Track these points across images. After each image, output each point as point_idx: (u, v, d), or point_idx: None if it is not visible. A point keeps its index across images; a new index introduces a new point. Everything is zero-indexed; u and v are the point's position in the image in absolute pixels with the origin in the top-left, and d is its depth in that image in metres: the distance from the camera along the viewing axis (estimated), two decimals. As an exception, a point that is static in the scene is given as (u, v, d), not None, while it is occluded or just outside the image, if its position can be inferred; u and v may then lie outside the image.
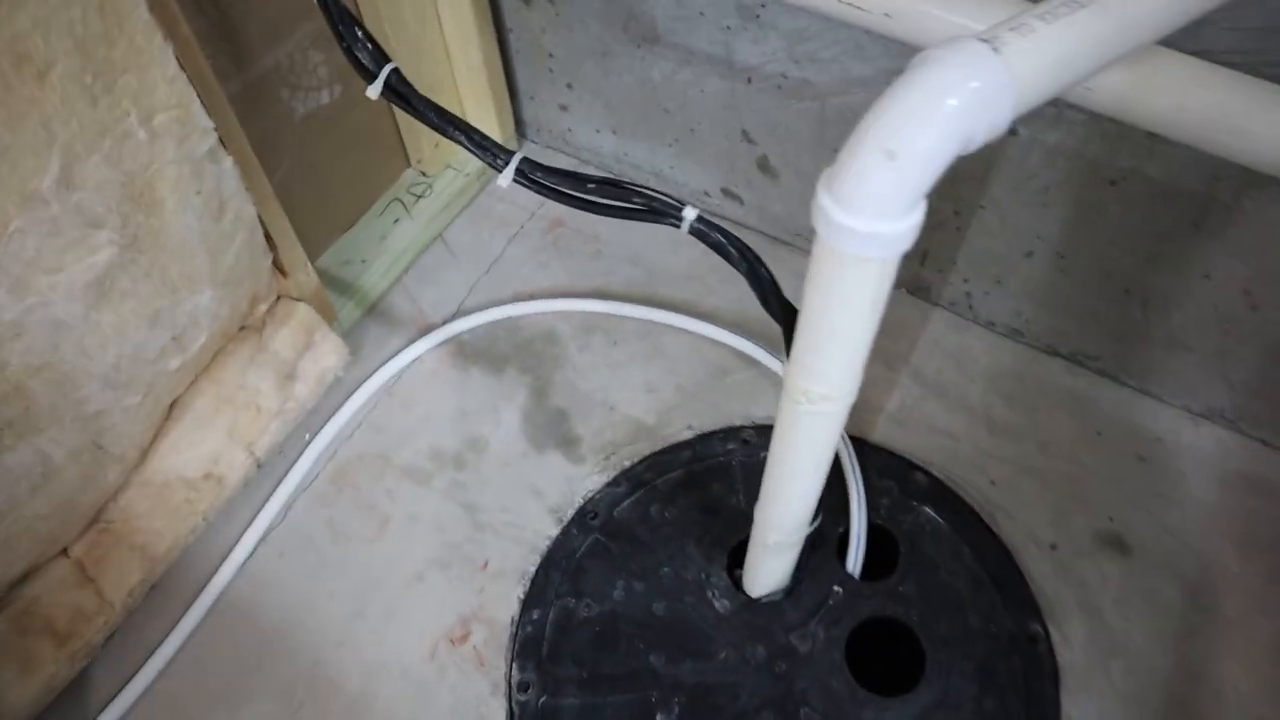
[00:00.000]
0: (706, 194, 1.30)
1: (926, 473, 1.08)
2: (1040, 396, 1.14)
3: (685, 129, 1.23)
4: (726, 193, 1.28)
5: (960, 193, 1.08)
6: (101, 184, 0.81)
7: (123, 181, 0.83)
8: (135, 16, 0.78)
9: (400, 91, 0.67)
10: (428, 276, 1.28)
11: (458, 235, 1.32)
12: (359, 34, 0.67)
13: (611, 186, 0.63)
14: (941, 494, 1.07)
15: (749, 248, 0.63)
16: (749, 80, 1.11)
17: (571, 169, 0.65)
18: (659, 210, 0.62)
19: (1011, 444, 1.10)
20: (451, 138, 0.66)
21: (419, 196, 1.31)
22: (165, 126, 0.84)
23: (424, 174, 1.34)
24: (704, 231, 0.62)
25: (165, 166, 0.86)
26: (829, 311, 0.60)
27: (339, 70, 1.16)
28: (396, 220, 1.29)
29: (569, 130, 1.36)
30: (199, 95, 0.86)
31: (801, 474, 0.77)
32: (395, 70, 0.67)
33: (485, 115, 1.32)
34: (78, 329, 0.85)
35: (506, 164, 0.65)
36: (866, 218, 0.53)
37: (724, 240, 0.62)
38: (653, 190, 0.62)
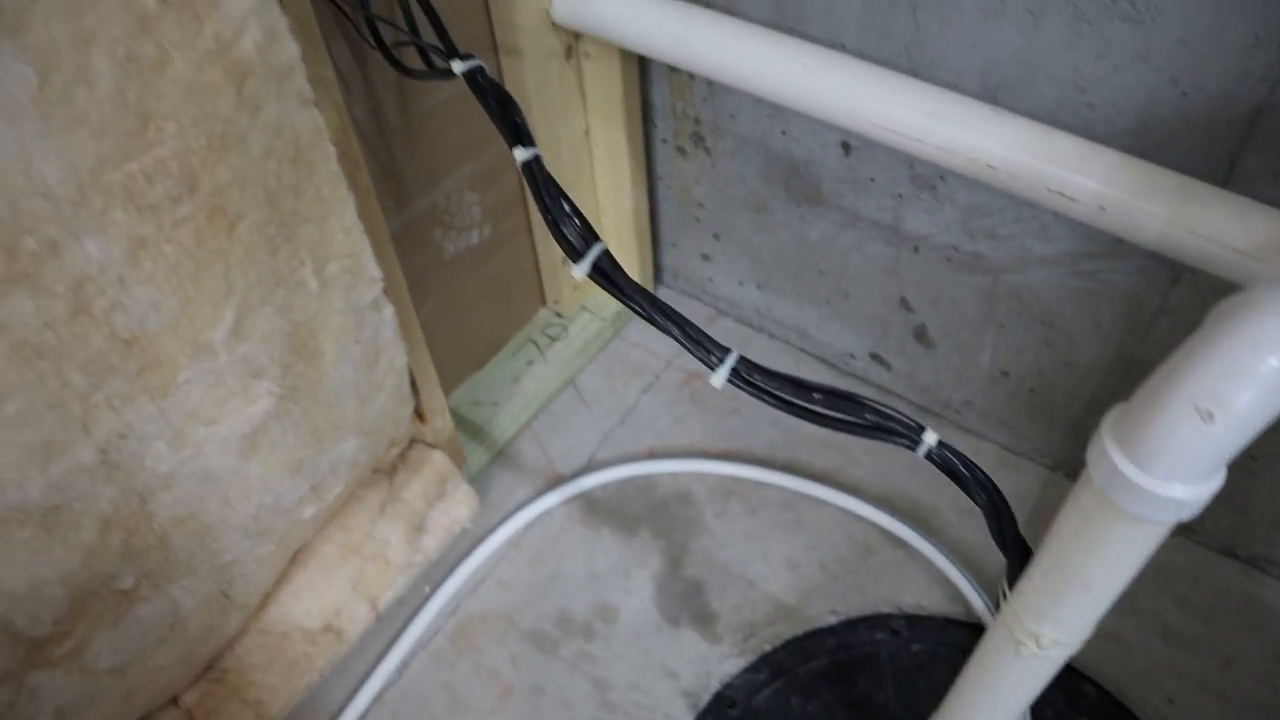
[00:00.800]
0: (852, 356, 1.25)
1: (1095, 683, 0.99)
2: (1218, 602, 1.05)
3: (839, 291, 1.18)
4: (875, 357, 1.22)
5: (1138, 380, 1.00)
6: (269, 334, 0.78)
7: (288, 332, 0.80)
8: (325, 168, 0.76)
9: (609, 274, 0.63)
10: (558, 424, 1.23)
11: (590, 381, 1.28)
12: (566, 208, 0.64)
13: (841, 399, 0.57)
14: (1113, 710, 0.97)
15: (990, 478, 0.57)
16: (915, 249, 1.07)
17: (793, 375, 0.59)
18: (891, 430, 0.57)
19: (1189, 656, 1.01)
20: (663, 328, 0.62)
21: (554, 339, 1.28)
22: (336, 276, 0.82)
23: (559, 315, 1.31)
24: (943, 458, 0.56)
25: (331, 316, 0.83)
26: (1086, 563, 0.54)
27: (490, 210, 1.14)
28: (530, 362, 1.26)
29: (709, 280, 1.33)
30: (371, 244, 0.84)
31: (1004, 708, 0.70)
32: (605, 251, 0.63)
33: (626, 260, 1.30)
34: (226, 480, 0.82)
35: (721, 363, 0.60)
36: (1164, 478, 0.47)
37: (964, 469, 0.56)
38: (887, 407, 0.57)
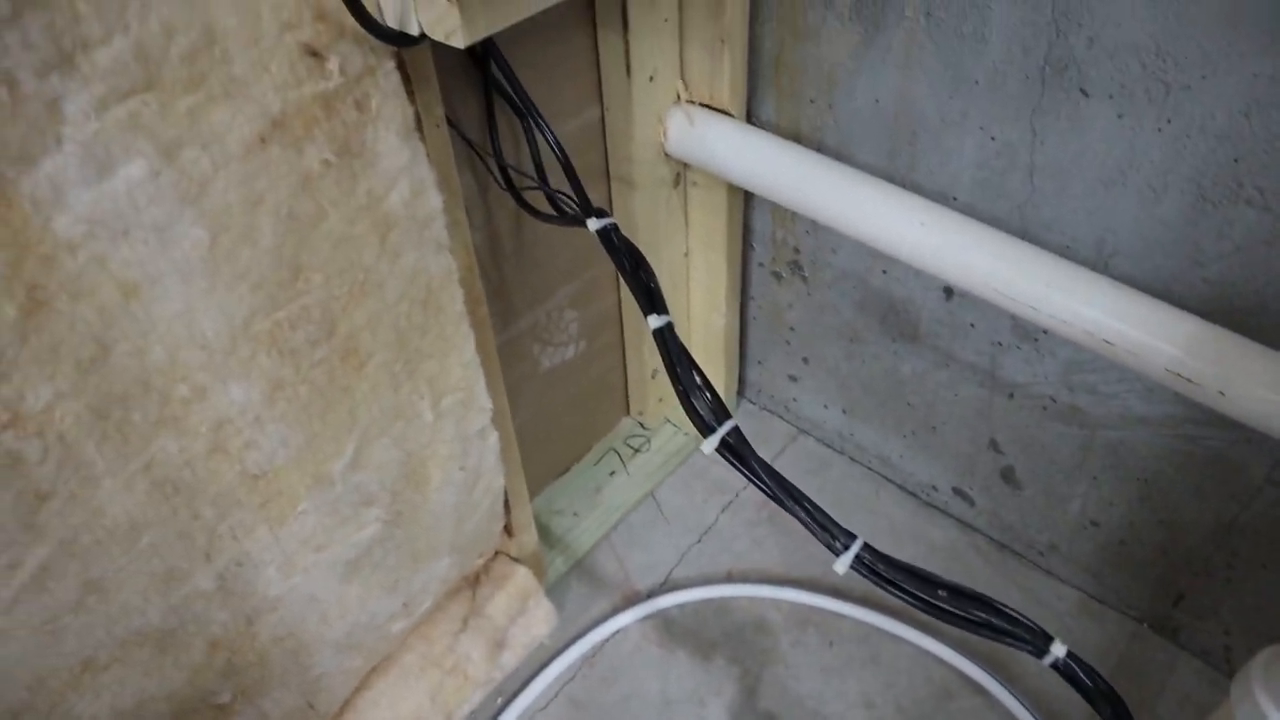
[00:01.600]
0: (934, 488, 1.24)
1: None
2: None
3: (926, 425, 1.18)
4: (958, 492, 1.22)
5: (1237, 546, 0.99)
6: (383, 464, 0.80)
7: (401, 460, 0.81)
8: (451, 308, 0.78)
9: (738, 451, 0.63)
10: (636, 537, 1.23)
11: (670, 495, 1.28)
12: (698, 380, 0.65)
13: (967, 599, 0.57)
14: None
15: (1114, 690, 0.57)
16: (1010, 395, 1.06)
17: (920, 568, 0.60)
18: (1018, 637, 0.56)
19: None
20: (790, 510, 0.62)
21: (636, 450, 1.29)
22: (450, 408, 0.83)
23: (643, 426, 1.32)
24: (1068, 669, 0.55)
25: (441, 445, 0.85)
26: (1222, 795, 0.53)
27: (587, 326, 1.15)
28: (612, 473, 1.26)
29: (794, 399, 1.33)
30: (485, 376, 0.86)
31: None
32: (736, 428, 0.63)
33: (712, 373, 1.29)
34: (326, 601, 0.83)
35: (845, 549, 0.60)
36: (1320, 735, 0.46)
37: (1089, 681, 0.56)
38: (1016, 612, 0.57)
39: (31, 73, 0.47)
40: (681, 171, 1.09)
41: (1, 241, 0.50)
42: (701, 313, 1.23)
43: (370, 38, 0.62)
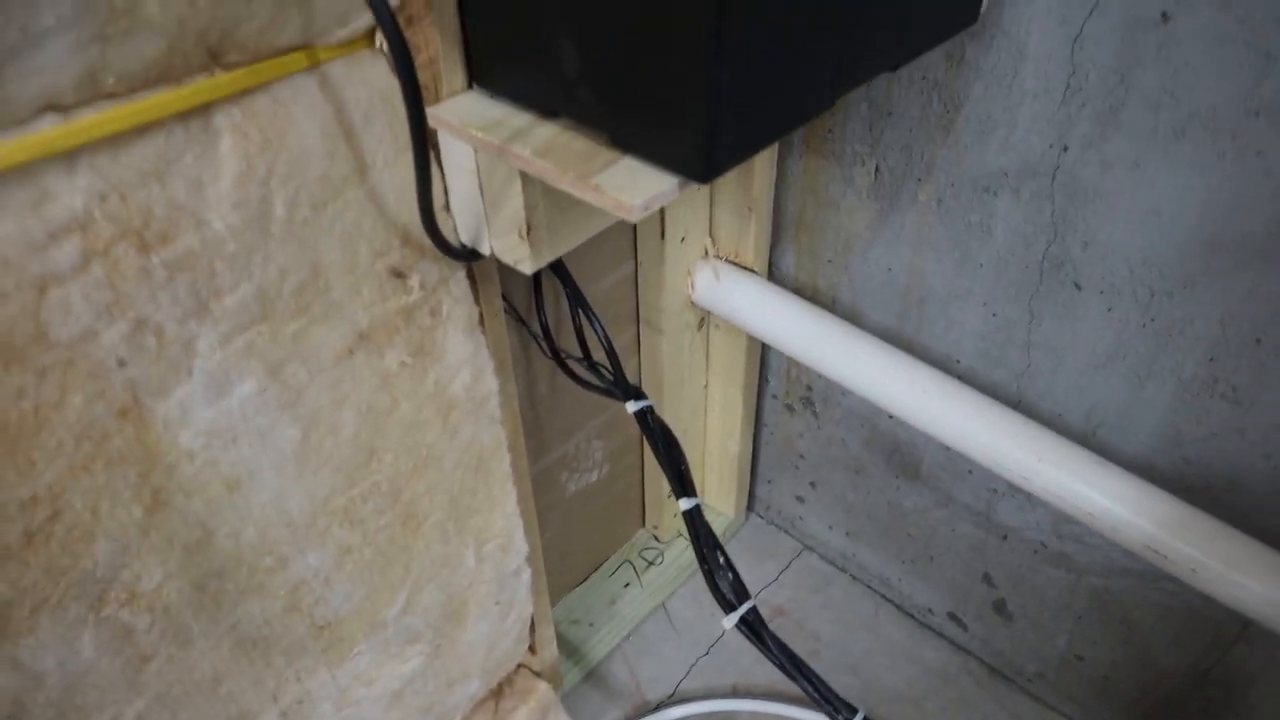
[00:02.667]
0: (930, 611, 1.31)
1: None
2: None
3: (924, 555, 1.26)
4: (952, 617, 1.29)
5: (1212, 694, 1.06)
6: (429, 607, 0.87)
7: (444, 602, 0.89)
8: (499, 470, 0.86)
9: (756, 630, 0.71)
10: (648, 647, 1.30)
11: (680, 606, 1.35)
12: (721, 560, 0.72)
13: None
14: None
15: None
16: (1004, 537, 1.14)
17: (916, 747, 0.67)
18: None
19: None
20: (798, 683, 0.70)
21: (650, 563, 1.36)
22: (490, 553, 0.91)
23: (657, 539, 1.39)
24: None
25: (480, 586, 0.92)
26: None
27: (611, 452, 1.23)
28: (627, 585, 1.34)
29: (800, 518, 1.41)
30: (523, 524, 0.93)
31: None
32: (754, 608, 0.71)
33: (722, 493, 1.38)
34: (370, 728, 0.90)
35: (851, 725, 0.68)
36: None
37: None
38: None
39: (175, 321, 0.56)
40: (705, 317, 1.18)
41: (135, 458, 0.58)
42: (718, 439, 1.31)
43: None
